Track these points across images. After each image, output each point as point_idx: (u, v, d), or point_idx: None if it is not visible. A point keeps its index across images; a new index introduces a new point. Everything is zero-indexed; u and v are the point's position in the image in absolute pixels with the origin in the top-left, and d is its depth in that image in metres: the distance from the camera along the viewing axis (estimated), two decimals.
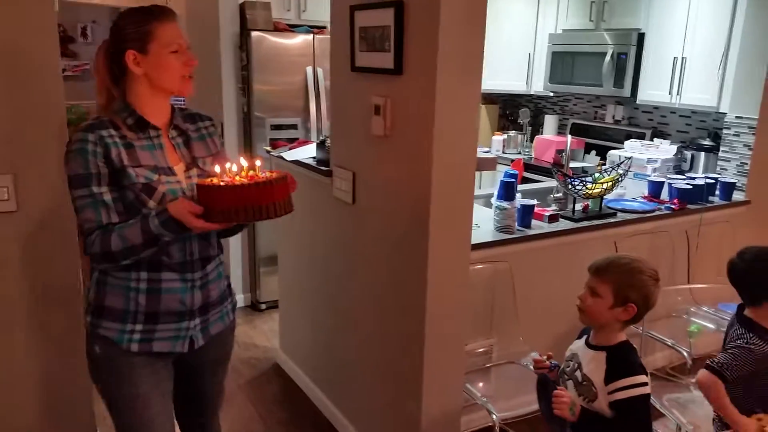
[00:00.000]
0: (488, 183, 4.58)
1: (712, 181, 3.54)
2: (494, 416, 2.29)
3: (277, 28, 3.92)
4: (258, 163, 1.53)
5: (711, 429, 2.20)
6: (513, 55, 4.89)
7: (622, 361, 1.68)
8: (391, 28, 2.10)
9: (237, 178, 1.47)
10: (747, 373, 1.94)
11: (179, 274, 1.61)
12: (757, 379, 1.94)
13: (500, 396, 2.47)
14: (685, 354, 2.74)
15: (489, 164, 3.45)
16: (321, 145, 2.91)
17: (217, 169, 1.51)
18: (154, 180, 1.55)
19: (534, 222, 2.92)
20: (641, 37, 4.10)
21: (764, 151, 3.61)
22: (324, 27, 4.06)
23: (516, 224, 2.83)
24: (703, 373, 1.96)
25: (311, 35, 3.98)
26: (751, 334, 1.97)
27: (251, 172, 1.49)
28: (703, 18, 3.73)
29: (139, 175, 1.53)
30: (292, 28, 4.01)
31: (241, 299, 4.22)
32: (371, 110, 2.28)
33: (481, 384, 2.56)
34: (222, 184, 1.44)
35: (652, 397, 2.34)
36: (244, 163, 1.51)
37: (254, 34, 3.77)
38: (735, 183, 3.59)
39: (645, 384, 1.65)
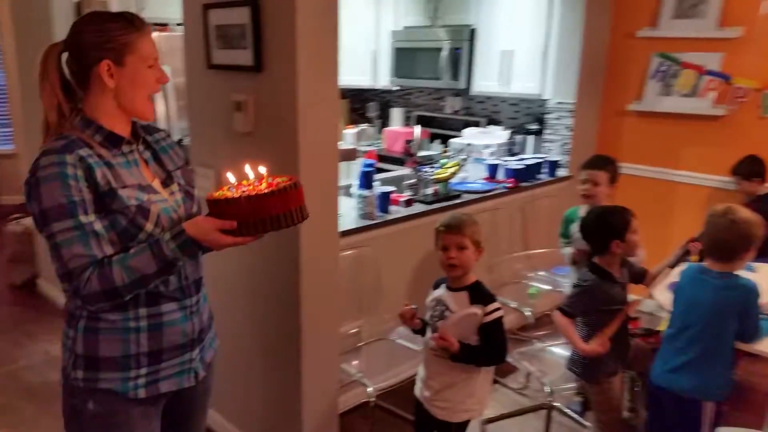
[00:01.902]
0: (342, 175, 4.73)
1: (540, 160, 4.01)
2: (369, 389, 2.46)
3: None
4: (263, 169, 1.43)
5: (558, 372, 2.57)
6: (358, 51, 5.07)
7: (482, 294, 2.01)
8: (249, 26, 2.16)
9: (251, 187, 1.37)
10: (590, 309, 2.29)
11: (178, 303, 1.47)
12: (602, 310, 2.29)
13: (373, 371, 2.65)
14: (528, 314, 3.11)
15: (350, 155, 3.61)
16: (178, 144, 2.87)
17: (231, 179, 1.41)
18: (145, 200, 1.40)
19: (392, 207, 3.13)
20: (473, 32, 4.47)
21: (581, 131, 4.15)
22: (166, 24, 3.95)
23: (376, 211, 3.02)
24: (555, 314, 2.33)
25: (155, 33, 3.85)
26: (594, 276, 2.31)
27: (269, 180, 1.40)
28: (526, 14, 4.17)
29: (130, 197, 1.37)
30: None
31: None
32: (232, 107, 2.32)
33: (355, 362, 2.71)
34: (241, 195, 1.32)
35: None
36: (248, 170, 1.43)
37: None
38: (559, 161, 4.09)
39: (500, 308, 1.99)
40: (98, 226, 1.32)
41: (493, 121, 4.86)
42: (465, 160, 3.89)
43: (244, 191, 1.35)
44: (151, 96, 1.46)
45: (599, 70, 4.14)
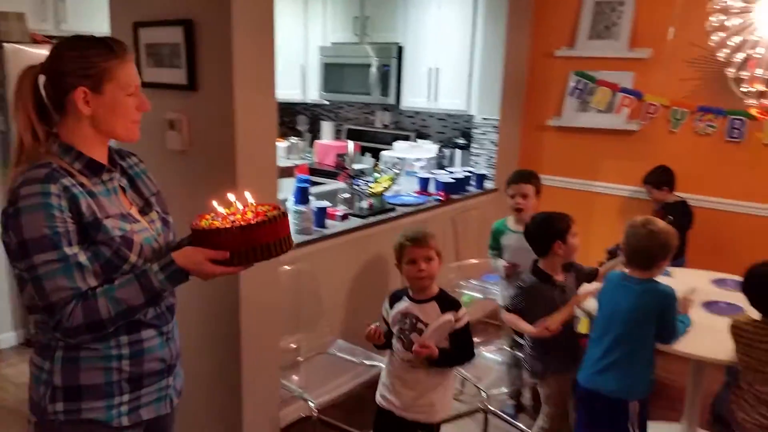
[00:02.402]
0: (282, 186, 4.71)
1: (469, 174, 4.15)
2: (311, 404, 2.46)
3: (36, 41, 3.60)
4: (249, 196, 1.42)
5: (491, 377, 2.67)
6: (287, 66, 5.07)
7: (450, 301, 2.13)
8: (182, 46, 2.14)
9: (236, 216, 1.35)
10: (531, 308, 2.42)
11: (156, 329, 1.45)
12: (540, 310, 2.41)
13: (314, 385, 2.66)
14: None
15: (288, 172, 3.60)
16: None
17: (219, 208, 1.38)
18: (128, 230, 1.37)
19: (328, 222, 3.16)
20: (401, 50, 4.59)
21: (505, 146, 4.33)
22: None
23: (313, 226, 3.04)
24: (502, 313, 2.56)
25: None
26: (535, 278, 2.48)
27: (253, 208, 1.39)
28: (451, 33, 4.32)
29: (114, 227, 1.34)
30: (52, 40, 3.71)
31: (11, 338, 3.79)
32: (165, 126, 2.29)
33: (295, 377, 2.71)
34: (233, 225, 1.31)
35: None
36: (232, 197, 1.41)
37: (8, 46, 3.42)
38: (486, 174, 4.25)
39: (467, 312, 2.13)
40: (82, 257, 1.29)
41: (422, 135, 4.99)
42: (398, 174, 3.98)
43: (233, 221, 1.33)
44: (136, 120, 1.41)
45: (520, 88, 4.34)
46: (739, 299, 2.62)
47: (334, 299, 3.12)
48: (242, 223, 1.32)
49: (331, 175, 4.55)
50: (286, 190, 3.18)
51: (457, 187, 4.00)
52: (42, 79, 1.36)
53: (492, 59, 4.15)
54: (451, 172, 4.16)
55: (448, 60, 4.33)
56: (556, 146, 4.30)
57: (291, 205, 3.04)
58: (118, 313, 1.29)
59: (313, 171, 4.87)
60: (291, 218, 3.01)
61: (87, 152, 1.36)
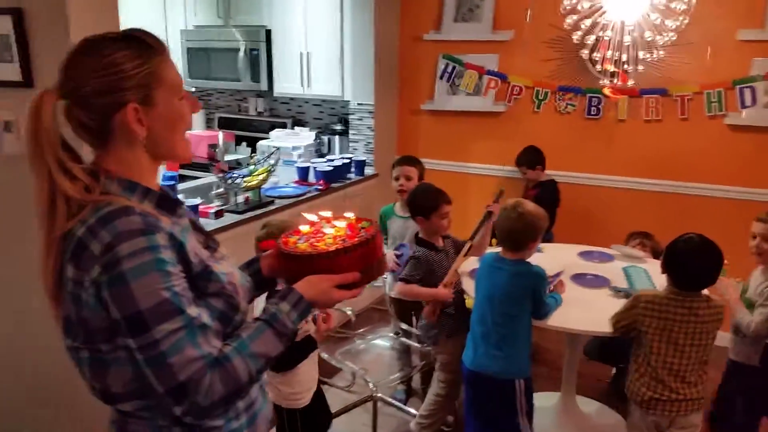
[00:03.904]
0: None
1: (348, 160, 4.11)
2: None
3: None
4: (327, 213, 1.32)
5: (381, 365, 2.68)
6: None
7: None
8: (12, 38, 1.90)
9: (327, 239, 1.24)
10: (424, 275, 2.59)
11: (257, 383, 1.23)
12: (432, 276, 2.60)
13: None
14: (349, 312, 3.17)
15: None
16: None
17: (305, 228, 1.25)
18: (227, 274, 1.13)
19: (202, 220, 2.98)
20: (268, 33, 4.42)
21: (382, 131, 4.32)
22: None
23: None
24: (397, 285, 2.67)
25: None
26: (417, 246, 2.66)
27: (345, 224, 1.28)
28: (318, 16, 4.20)
29: (220, 272, 1.11)
30: None
31: None
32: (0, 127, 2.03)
33: None
34: (353, 243, 1.19)
35: (326, 355, 2.74)
36: (312, 217, 1.30)
37: None
38: (365, 160, 4.23)
39: None
40: (205, 317, 1.05)
41: (299, 122, 4.86)
42: (275, 164, 3.85)
43: (342, 243, 1.21)
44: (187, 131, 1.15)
45: (393, 72, 4.35)
46: (605, 271, 2.81)
47: None
48: (355, 241, 1.20)
49: (204, 168, 4.32)
50: None
51: (337, 174, 3.94)
52: (61, 105, 1.05)
53: (362, 43, 4.11)
54: (331, 160, 4.10)
55: (319, 44, 4.23)
56: (432, 130, 4.36)
57: None
58: (257, 371, 1.08)
59: (185, 164, 4.61)
60: None
61: (149, 185, 1.10)
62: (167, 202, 1.11)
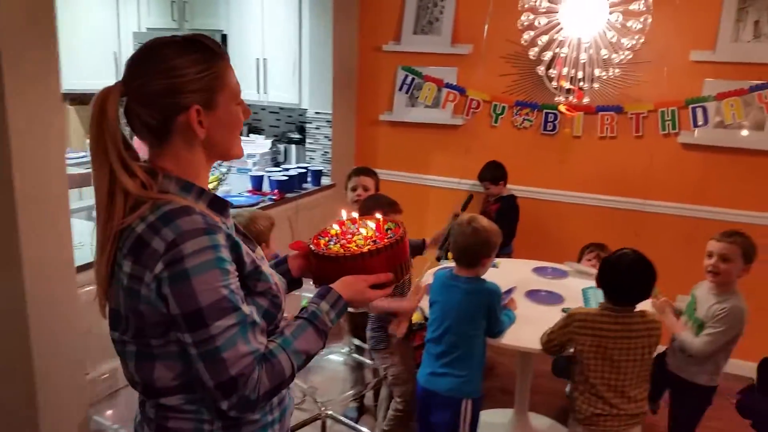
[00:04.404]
0: (89, 192, 4.23)
1: (304, 170, 4.02)
2: None
3: None
4: (354, 215, 1.35)
5: (334, 381, 2.61)
6: (97, 52, 4.57)
7: None
8: None
9: (358, 240, 1.27)
10: None
11: None
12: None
13: (129, 418, 2.39)
14: None
15: (83, 180, 3.19)
16: None
17: (337, 228, 1.30)
18: (272, 274, 1.18)
19: None
20: (224, 38, 4.31)
21: (340, 141, 4.25)
22: None
23: None
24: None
25: None
26: None
27: (373, 224, 1.32)
28: (276, 23, 4.12)
29: (269, 272, 1.17)
30: None
31: None
32: None
33: (109, 412, 2.42)
34: (385, 243, 1.23)
35: None
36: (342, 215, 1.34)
37: None
38: (322, 170, 4.15)
39: None
40: (256, 314, 1.09)
41: (254, 130, 4.76)
42: (227, 172, 3.73)
43: (374, 244, 1.24)
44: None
45: (351, 82, 4.28)
46: (559, 287, 2.79)
47: None
48: (386, 242, 1.24)
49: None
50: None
51: (293, 184, 3.86)
52: (123, 102, 1.09)
53: (320, 51, 4.04)
54: (286, 169, 4.00)
55: (276, 51, 4.14)
56: (390, 141, 4.30)
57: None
58: (299, 367, 1.13)
59: None
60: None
61: (202, 185, 1.14)
62: (218, 202, 1.15)
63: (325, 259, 1.26)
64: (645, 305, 2.25)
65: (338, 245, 1.28)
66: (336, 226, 1.36)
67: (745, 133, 3.35)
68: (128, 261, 1.04)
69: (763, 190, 3.37)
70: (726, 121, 3.36)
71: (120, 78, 1.08)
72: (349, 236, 1.31)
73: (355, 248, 1.25)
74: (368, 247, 1.24)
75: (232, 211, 1.21)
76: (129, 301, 1.05)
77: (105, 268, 1.07)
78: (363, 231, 1.31)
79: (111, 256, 1.06)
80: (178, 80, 1.07)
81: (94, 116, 1.06)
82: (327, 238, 1.32)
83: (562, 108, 3.27)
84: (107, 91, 1.06)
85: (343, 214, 1.41)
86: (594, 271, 2.96)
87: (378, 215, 1.37)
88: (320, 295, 1.20)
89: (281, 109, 4.62)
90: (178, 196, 1.08)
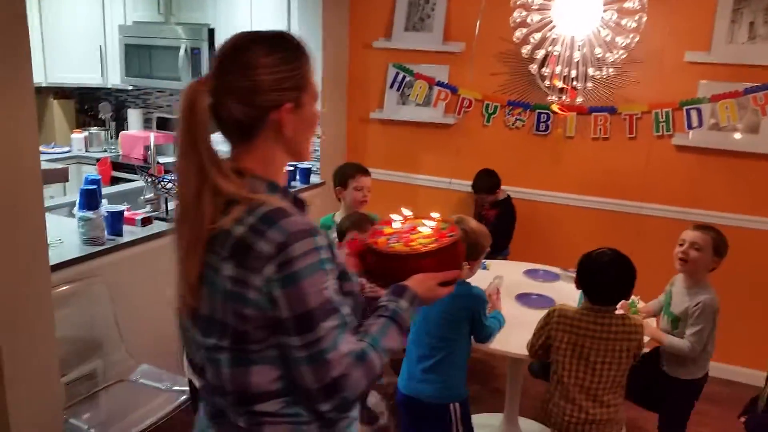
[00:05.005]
0: (74, 187, 4.13)
1: (293, 168, 3.95)
2: None
3: None
4: (408, 213, 1.37)
5: None
6: (82, 46, 4.48)
7: None
8: None
9: (421, 239, 1.28)
10: None
11: None
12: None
13: (112, 420, 2.32)
14: None
15: (58, 176, 3.09)
16: None
17: (395, 226, 1.33)
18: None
19: (126, 228, 2.77)
20: (212, 32, 4.22)
21: (331, 138, 4.16)
22: None
23: (106, 234, 2.64)
24: None
25: None
26: None
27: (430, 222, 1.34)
28: (265, 18, 4.02)
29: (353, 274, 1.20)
30: None
31: None
32: None
33: (87, 415, 2.33)
34: (453, 240, 1.26)
35: None
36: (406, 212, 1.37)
37: None
38: (311, 168, 4.07)
39: None
40: (350, 315, 1.09)
41: None
42: None
43: (439, 242, 1.26)
44: None
45: (342, 79, 4.21)
46: (550, 290, 2.74)
47: (137, 316, 2.75)
48: (449, 240, 1.26)
49: (144, 170, 4.08)
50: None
51: None
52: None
53: (310, 46, 3.92)
54: None
55: None
56: (381, 139, 4.23)
57: (76, 211, 2.61)
58: (384, 364, 1.13)
59: (119, 165, 4.37)
60: (77, 228, 2.60)
61: (282, 184, 1.14)
62: (299, 202, 1.15)
63: (389, 258, 1.26)
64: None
65: (400, 244, 1.29)
66: (394, 224, 1.38)
67: (739, 135, 3.31)
68: (230, 264, 1.02)
69: (756, 193, 3.33)
70: (721, 124, 3.32)
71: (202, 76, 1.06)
72: (406, 235, 1.33)
73: (418, 246, 1.27)
74: (433, 245, 1.26)
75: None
76: (232, 305, 1.03)
77: (196, 270, 1.05)
78: (423, 230, 1.33)
79: (202, 259, 1.04)
80: (274, 76, 1.06)
81: (183, 111, 1.03)
82: (386, 237, 1.33)
83: (555, 108, 3.22)
84: (197, 85, 1.04)
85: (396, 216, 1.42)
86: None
87: (435, 214, 1.39)
88: (397, 292, 1.19)
89: None
90: (270, 197, 1.06)
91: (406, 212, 1.41)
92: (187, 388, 2.37)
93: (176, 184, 1.09)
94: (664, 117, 3.44)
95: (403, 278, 1.21)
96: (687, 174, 3.46)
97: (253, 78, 1.05)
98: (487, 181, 3.64)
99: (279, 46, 1.08)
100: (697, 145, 3.39)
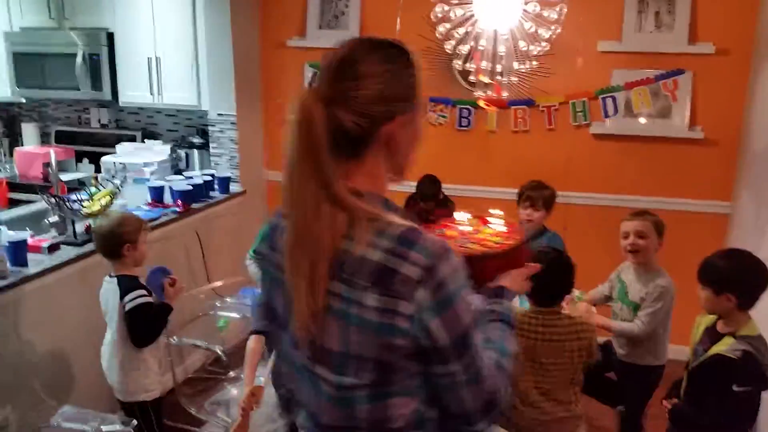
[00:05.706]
0: None
1: (210, 178, 3.72)
2: None
3: None
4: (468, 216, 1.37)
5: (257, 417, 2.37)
6: None
7: None
8: None
9: (492, 239, 1.30)
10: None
11: None
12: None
13: None
14: (219, 351, 2.82)
15: None
16: None
17: (467, 227, 1.34)
18: None
19: (32, 257, 2.50)
20: (111, 36, 3.92)
21: (247, 144, 3.99)
22: None
23: (9, 266, 2.37)
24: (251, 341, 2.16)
25: None
26: None
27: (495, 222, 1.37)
28: (168, 19, 3.78)
29: None
30: None
31: None
32: None
33: None
34: (512, 245, 1.27)
35: (193, 409, 2.39)
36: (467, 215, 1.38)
37: None
38: (230, 177, 3.86)
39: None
40: None
41: (150, 135, 4.38)
42: (121, 184, 3.38)
43: (509, 243, 1.27)
44: None
45: (255, 80, 4.03)
46: None
47: (51, 353, 2.49)
48: (521, 238, 1.28)
49: (45, 190, 3.74)
50: None
51: (198, 193, 3.55)
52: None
53: (218, 49, 3.76)
54: (190, 177, 3.69)
55: (170, 49, 3.81)
56: None
57: None
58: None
59: (15, 186, 3.99)
60: None
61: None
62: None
63: (471, 260, 1.17)
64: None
65: (474, 245, 1.27)
66: (462, 226, 1.37)
67: (652, 121, 3.44)
68: (373, 294, 0.93)
69: (672, 176, 3.47)
70: (635, 110, 3.43)
71: None
72: (474, 236, 1.32)
73: (494, 245, 1.26)
74: (509, 242, 1.27)
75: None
76: (377, 337, 0.94)
77: (321, 298, 0.95)
78: (492, 228, 1.34)
79: (326, 286, 0.95)
80: (389, 87, 0.99)
81: (299, 124, 0.95)
82: (455, 241, 1.29)
83: (481, 103, 3.20)
84: (312, 96, 0.96)
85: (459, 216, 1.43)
86: None
87: (498, 212, 1.43)
88: (498, 294, 1.18)
89: (179, 111, 4.28)
90: (391, 214, 0.98)
91: (466, 215, 1.41)
92: (118, 427, 2.16)
93: (288, 205, 0.98)
94: (581, 107, 3.52)
95: (487, 278, 1.19)
96: (607, 161, 3.56)
97: (368, 87, 0.98)
98: (433, 188, 3.57)
99: (393, 56, 1.02)
100: (614, 132, 3.50)
